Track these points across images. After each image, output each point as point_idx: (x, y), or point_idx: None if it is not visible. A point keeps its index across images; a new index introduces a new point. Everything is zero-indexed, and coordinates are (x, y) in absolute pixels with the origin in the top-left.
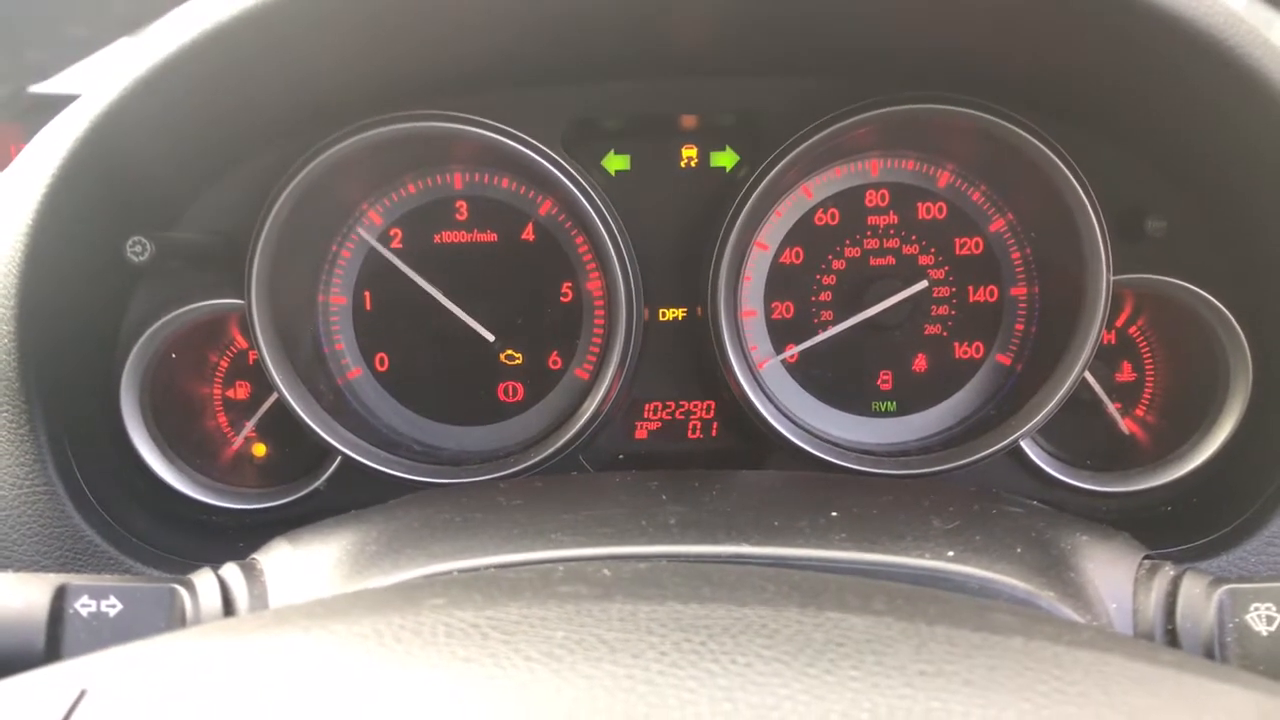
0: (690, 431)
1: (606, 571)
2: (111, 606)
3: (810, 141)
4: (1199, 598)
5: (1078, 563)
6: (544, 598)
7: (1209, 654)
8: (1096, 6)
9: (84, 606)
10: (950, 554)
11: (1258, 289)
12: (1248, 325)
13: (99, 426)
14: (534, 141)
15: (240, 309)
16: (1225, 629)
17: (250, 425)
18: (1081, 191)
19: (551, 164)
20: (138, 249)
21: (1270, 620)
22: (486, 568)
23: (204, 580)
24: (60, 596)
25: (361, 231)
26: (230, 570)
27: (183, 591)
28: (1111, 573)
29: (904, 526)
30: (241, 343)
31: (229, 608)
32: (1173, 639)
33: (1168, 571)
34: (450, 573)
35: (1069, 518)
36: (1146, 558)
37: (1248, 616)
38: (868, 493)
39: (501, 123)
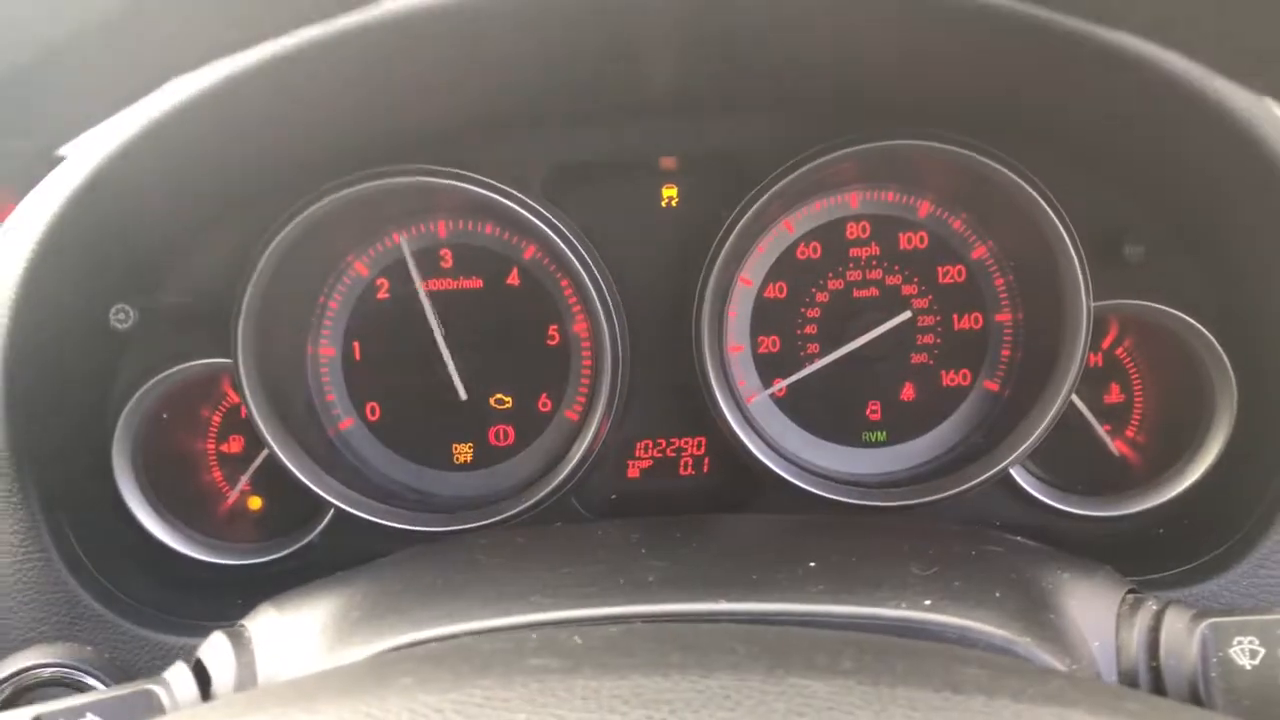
0: (682, 469)
1: (579, 639)
2: None
3: (789, 178)
4: (1181, 633)
5: (1059, 602)
6: (512, 673)
7: (1194, 690)
8: (1073, 53)
9: None
10: (927, 602)
11: (1237, 310)
12: (1229, 346)
13: (92, 489)
14: (513, 191)
15: (230, 366)
16: (1209, 664)
17: (244, 479)
18: (1058, 221)
19: (531, 213)
20: (121, 317)
21: (1254, 654)
22: (464, 634)
23: (178, 675)
24: None
25: (349, 282)
26: (217, 641)
27: (159, 692)
28: (1093, 611)
29: (882, 574)
30: (233, 397)
31: (206, 696)
32: (1156, 676)
33: (1150, 606)
34: (428, 641)
35: (1050, 553)
36: (1130, 592)
37: (1231, 650)
38: (849, 537)
39: (482, 172)
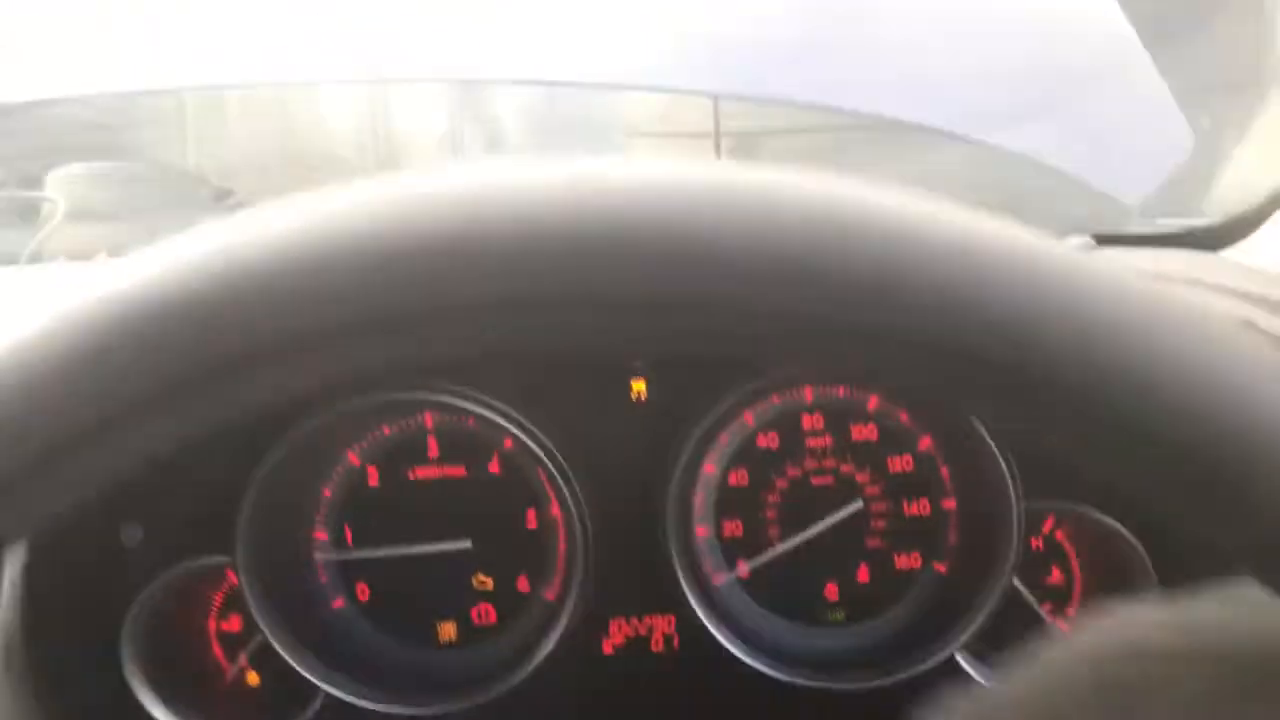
0: (654, 645)
1: None
2: None
3: (753, 384)
4: None
5: None
6: None
7: None
8: None
9: None
10: None
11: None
12: (1151, 549)
13: (98, 675)
14: (487, 399)
15: (230, 562)
16: None
17: (243, 657)
18: (983, 429)
19: (503, 416)
20: (130, 534)
21: None
22: None
23: None
24: None
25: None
26: None
27: None
28: None
29: None
30: (233, 578)
31: None
32: None
33: None
34: None
35: None
36: None
37: None
38: None
39: (461, 382)
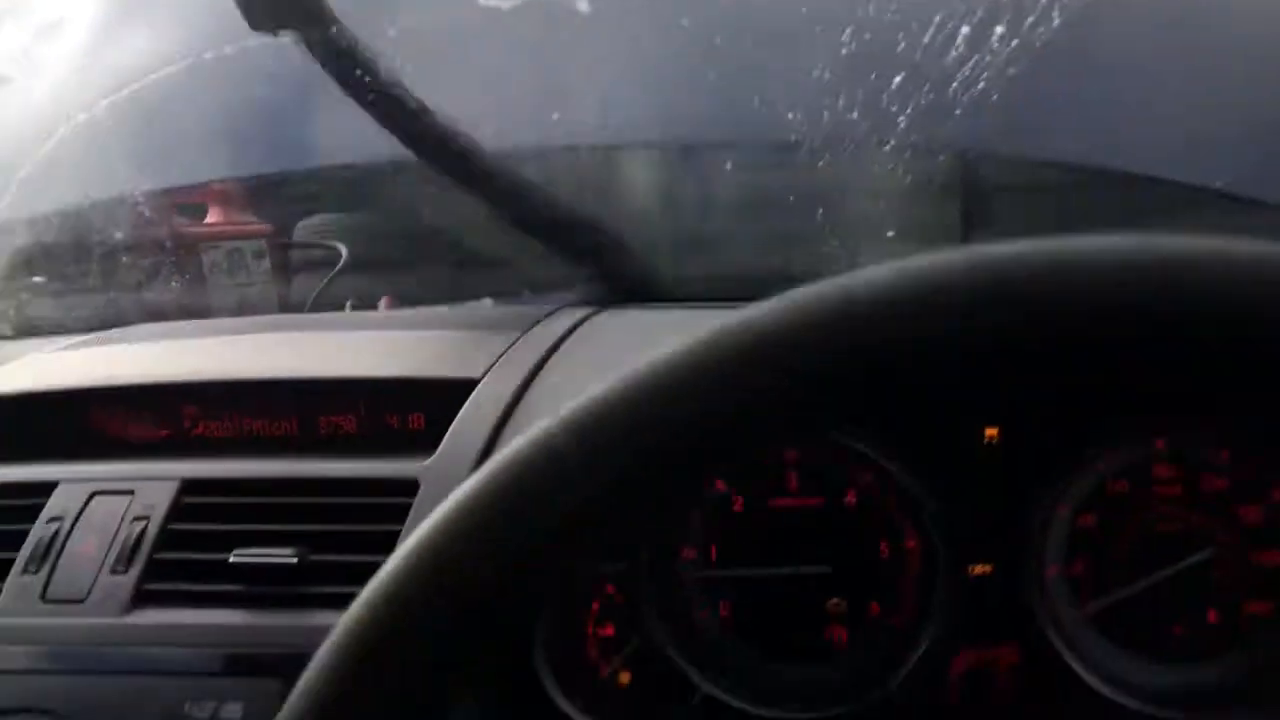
0: (1000, 675)
1: None
2: None
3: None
4: None
5: None
6: None
7: None
8: None
9: None
10: None
11: None
12: None
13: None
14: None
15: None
16: None
17: (618, 659)
18: None
19: (863, 456)
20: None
21: None
22: None
23: None
24: None
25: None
26: None
27: None
28: None
29: None
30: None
31: None
32: None
33: None
34: None
35: None
36: None
37: None
38: None
39: None
